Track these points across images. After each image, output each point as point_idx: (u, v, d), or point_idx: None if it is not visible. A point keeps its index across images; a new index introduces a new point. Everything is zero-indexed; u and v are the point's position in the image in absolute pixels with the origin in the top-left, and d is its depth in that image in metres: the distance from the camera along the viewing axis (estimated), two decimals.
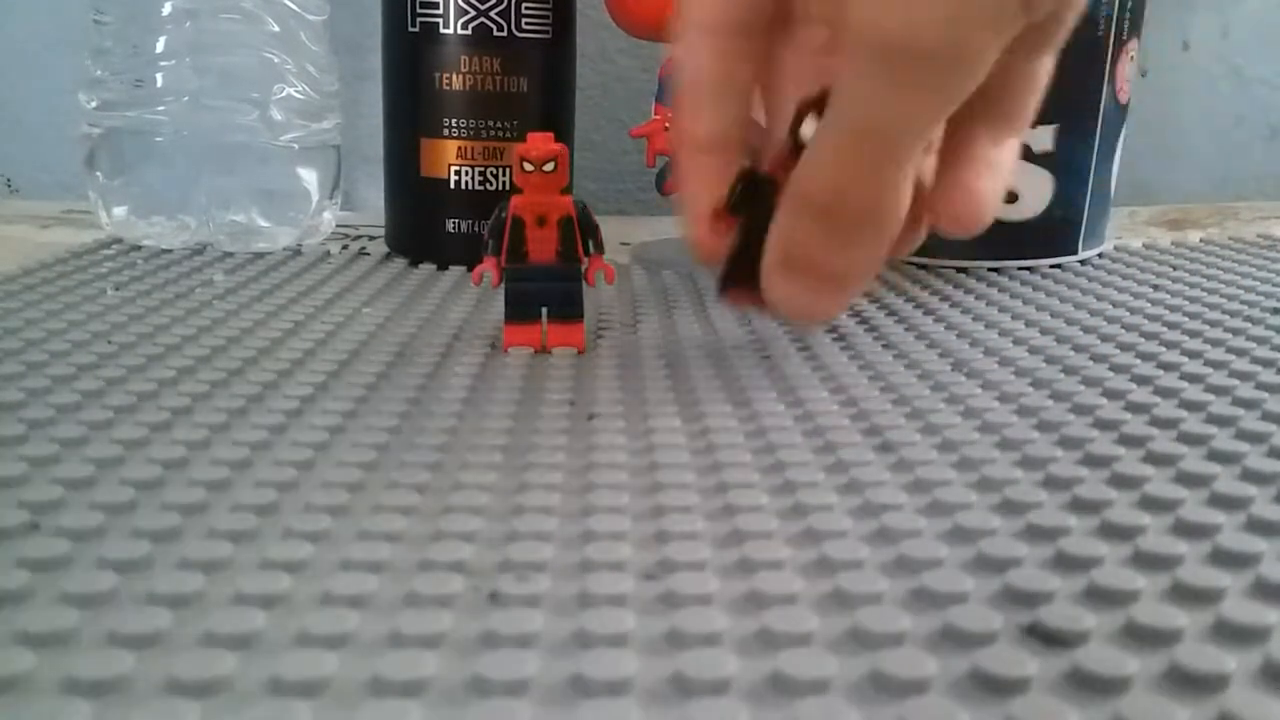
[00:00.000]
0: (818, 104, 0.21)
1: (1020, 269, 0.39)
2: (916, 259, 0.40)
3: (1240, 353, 0.28)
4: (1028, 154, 0.38)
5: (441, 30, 0.39)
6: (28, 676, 0.14)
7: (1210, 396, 0.24)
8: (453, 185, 0.40)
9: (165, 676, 0.14)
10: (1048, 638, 0.15)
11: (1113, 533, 0.18)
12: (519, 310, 0.28)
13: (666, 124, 0.40)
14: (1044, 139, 0.38)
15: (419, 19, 0.39)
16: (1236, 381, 0.25)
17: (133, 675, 0.14)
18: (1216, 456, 0.21)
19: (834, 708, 0.13)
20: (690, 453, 0.21)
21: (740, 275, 0.24)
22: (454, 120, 0.40)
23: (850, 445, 0.22)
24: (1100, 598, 0.16)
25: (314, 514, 0.18)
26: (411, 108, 0.40)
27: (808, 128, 0.21)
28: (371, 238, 0.46)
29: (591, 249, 0.28)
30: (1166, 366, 0.27)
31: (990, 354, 0.28)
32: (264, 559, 0.17)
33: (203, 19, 0.40)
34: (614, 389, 0.25)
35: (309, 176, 0.42)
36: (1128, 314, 0.32)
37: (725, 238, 0.24)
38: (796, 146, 0.21)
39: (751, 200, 0.23)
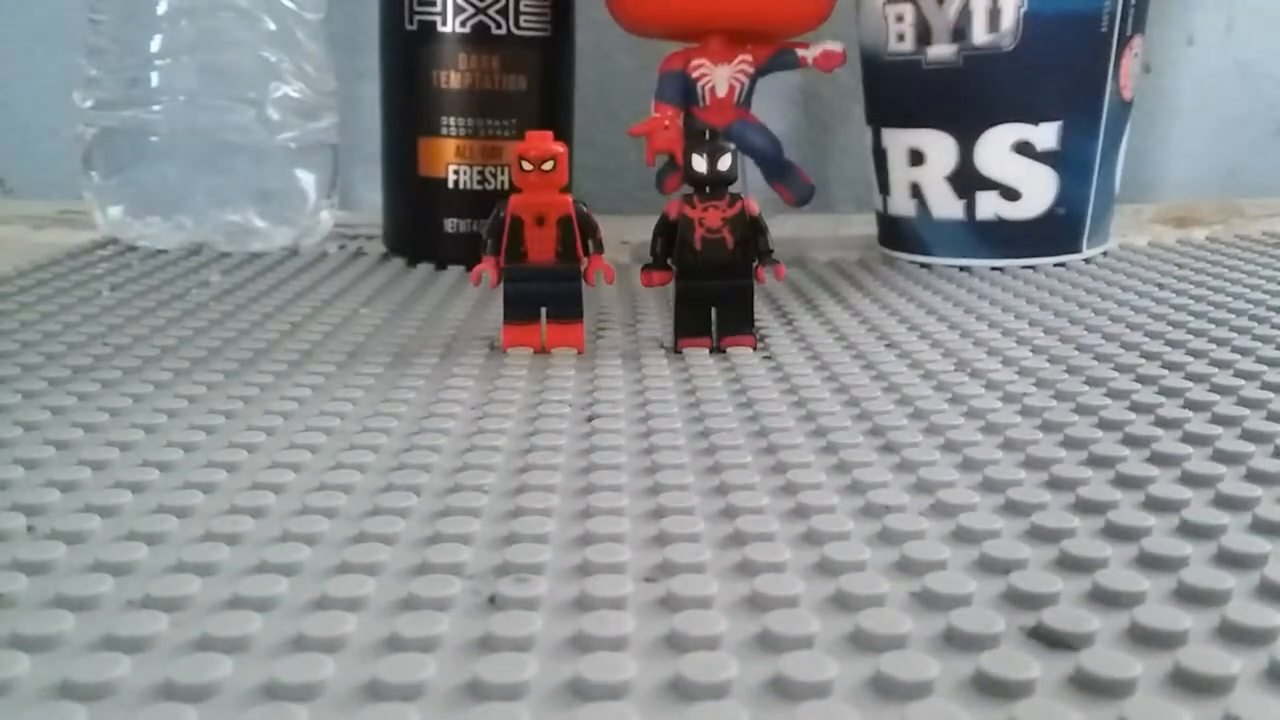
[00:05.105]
0: (697, 146, 0.27)
1: (1024, 267, 0.39)
2: (919, 258, 0.40)
3: (1246, 352, 0.27)
4: (1031, 151, 0.38)
5: (439, 28, 0.39)
6: (20, 680, 0.13)
7: (1215, 396, 0.24)
8: (451, 184, 0.40)
9: (160, 680, 0.13)
10: (1051, 640, 0.14)
11: (1117, 534, 0.17)
12: (518, 310, 0.28)
13: (666, 122, 0.40)
14: (1048, 136, 0.38)
15: (417, 17, 0.39)
16: (1242, 381, 0.25)
17: (127, 679, 0.13)
18: (1221, 457, 0.21)
19: (836, 711, 0.13)
20: (690, 454, 0.21)
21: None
22: (452, 119, 0.39)
23: (852, 446, 0.21)
24: (1104, 599, 0.15)
25: (310, 516, 0.18)
26: (409, 106, 0.40)
27: (697, 163, 0.28)
28: (369, 237, 0.46)
29: (591, 248, 0.28)
30: (1171, 366, 0.26)
31: (994, 354, 0.28)
32: (260, 561, 0.16)
33: (199, 17, 0.40)
34: (614, 389, 0.25)
35: (306, 176, 0.42)
36: (1132, 313, 0.32)
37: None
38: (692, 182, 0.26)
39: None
